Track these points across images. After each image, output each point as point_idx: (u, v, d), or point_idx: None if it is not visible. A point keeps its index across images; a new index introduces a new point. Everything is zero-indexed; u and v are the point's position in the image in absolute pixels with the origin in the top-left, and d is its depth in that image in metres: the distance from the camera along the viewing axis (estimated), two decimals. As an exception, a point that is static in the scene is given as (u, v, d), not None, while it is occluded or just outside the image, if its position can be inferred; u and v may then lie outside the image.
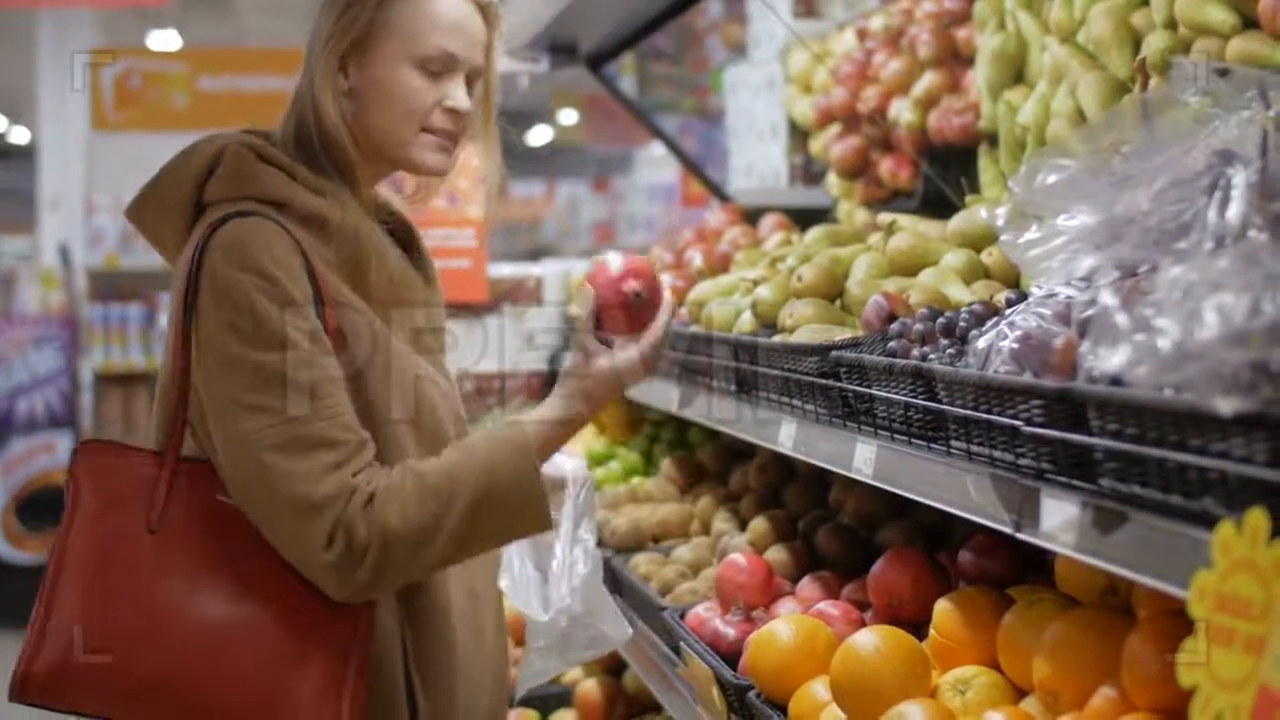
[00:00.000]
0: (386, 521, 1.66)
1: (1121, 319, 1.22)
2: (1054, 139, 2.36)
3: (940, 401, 1.60)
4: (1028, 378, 1.40)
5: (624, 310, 1.82)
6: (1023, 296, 1.72)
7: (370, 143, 1.83)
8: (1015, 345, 1.44)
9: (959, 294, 2.16)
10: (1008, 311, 1.54)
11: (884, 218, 2.56)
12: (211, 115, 7.64)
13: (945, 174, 2.89)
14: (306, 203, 1.76)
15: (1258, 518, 1.04)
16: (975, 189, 2.73)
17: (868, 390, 1.83)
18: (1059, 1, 2.41)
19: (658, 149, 11.54)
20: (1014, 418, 1.42)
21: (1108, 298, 1.27)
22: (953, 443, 1.59)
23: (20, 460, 7.40)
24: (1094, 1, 2.30)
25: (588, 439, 3.84)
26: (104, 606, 1.70)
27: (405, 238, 1.97)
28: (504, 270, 4.31)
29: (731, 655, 2.21)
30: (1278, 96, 1.45)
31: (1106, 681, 1.48)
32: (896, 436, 1.75)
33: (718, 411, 2.50)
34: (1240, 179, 1.29)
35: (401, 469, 1.71)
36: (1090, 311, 1.33)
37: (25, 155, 13.43)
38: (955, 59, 2.96)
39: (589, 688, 3.35)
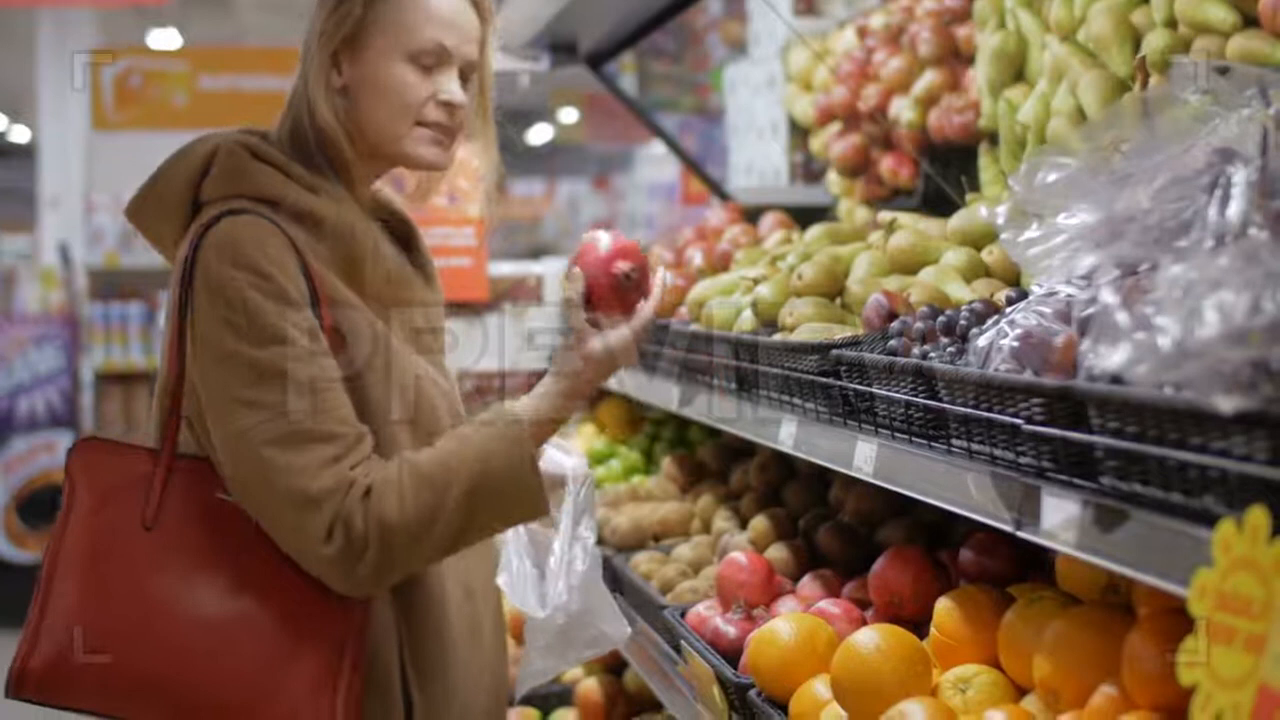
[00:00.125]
0: (384, 514, 1.66)
1: (1122, 317, 1.22)
2: (1054, 137, 2.36)
3: (941, 400, 1.60)
4: (1028, 376, 1.40)
5: (615, 291, 1.80)
6: (1023, 295, 1.72)
7: (366, 139, 1.83)
8: (1016, 344, 1.44)
9: (959, 292, 2.16)
10: (1008, 310, 1.54)
11: (884, 216, 2.56)
12: (212, 114, 7.65)
13: (945, 172, 2.89)
14: (300, 200, 1.76)
15: (1258, 516, 1.04)
16: (975, 187, 2.73)
17: (868, 389, 1.83)
18: (1059, 0, 2.41)
19: (658, 147, 11.53)
20: (1014, 416, 1.42)
21: (1108, 296, 1.27)
22: (953, 441, 1.59)
23: (21, 459, 7.40)
24: (1094, 0, 2.30)
25: (588, 438, 3.84)
26: (99, 603, 1.71)
27: (405, 236, 1.97)
28: (504, 269, 4.31)
29: (732, 654, 2.21)
30: (1278, 95, 1.45)
31: (1107, 680, 1.48)
32: (897, 435, 1.75)
33: (718, 410, 2.50)
34: (1240, 177, 1.29)
35: (398, 461, 1.71)
36: (1091, 310, 1.33)
37: (25, 154, 13.43)
38: (956, 57, 2.96)
39: (589, 686, 3.35)
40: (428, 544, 1.70)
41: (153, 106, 8.47)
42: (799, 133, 3.93)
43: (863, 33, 3.42)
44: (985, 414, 1.48)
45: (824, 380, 1.97)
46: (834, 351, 1.94)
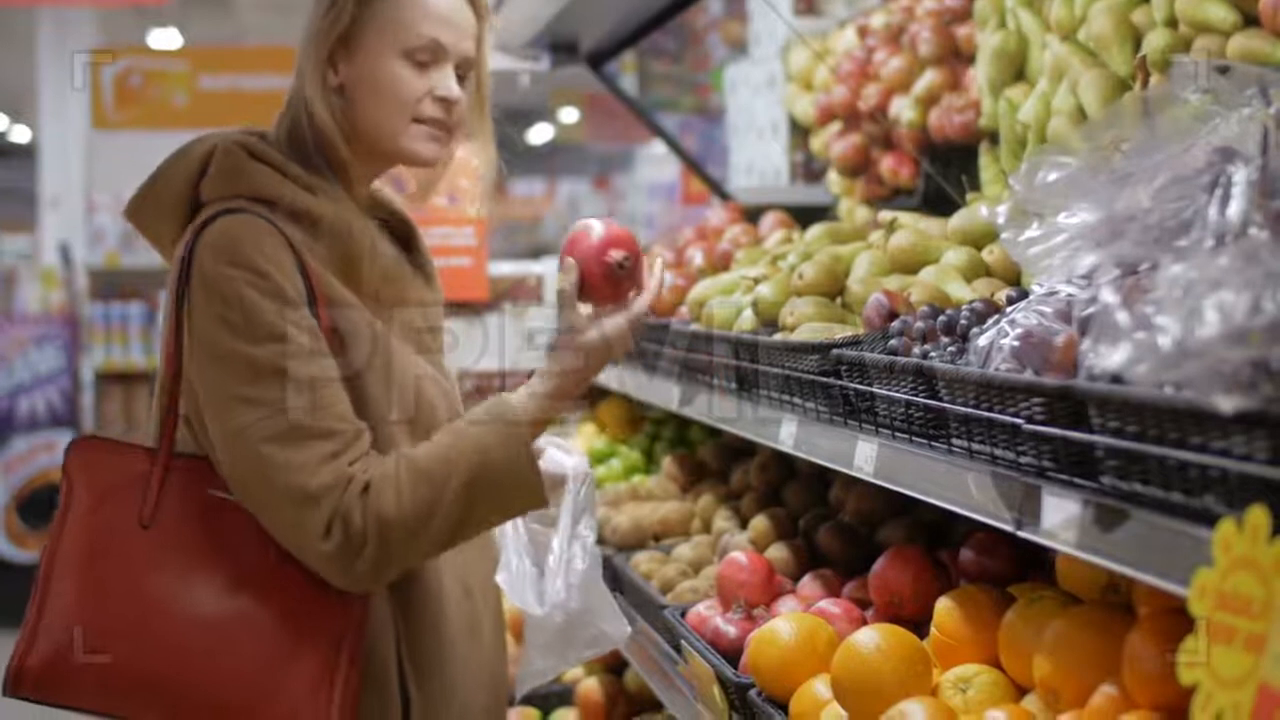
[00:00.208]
0: (382, 509, 1.67)
1: (1122, 317, 1.22)
2: (1055, 137, 2.36)
3: (941, 399, 1.60)
4: (1029, 376, 1.40)
5: (608, 280, 1.80)
6: (1024, 294, 1.72)
7: (363, 137, 1.83)
8: (1016, 343, 1.44)
9: (960, 292, 2.16)
10: (1009, 309, 1.54)
11: (885, 215, 2.56)
12: (212, 114, 7.64)
13: (946, 172, 2.89)
14: (297, 199, 1.76)
15: (1258, 515, 1.04)
16: (976, 187, 2.73)
17: (869, 388, 1.83)
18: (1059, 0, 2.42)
19: (658, 147, 11.53)
20: (1015, 416, 1.42)
21: (1108, 295, 1.27)
22: (954, 441, 1.59)
23: (21, 459, 7.41)
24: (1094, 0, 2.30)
25: (589, 437, 3.84)
26: (96, 601, 1.71)
27: (405, 236, 1.97)
28: (504, 268, 4.32)
29: (732, 653, 2.21)
30: (1278, 94, 1.45)
31: (1107, 679, 1.47)
32: (897, 435, 1.75)
33: (719, 410, 2.50)
34: (1241, 176, 1.28)
35: (395, 456, 1.72)
36: (1091, 309, 1.33)
37: (26, 154, 13.44)
38: (956, 57, 2.96)
39: (590, 686, 3.35)
40: (426, 538, 1.70)
41: (153, 106, 8.47)
42: (799, 132, 3.93)
43: (863, 32, 3.42)
44: (986, 414, 1.48)
45: (824, 380, 1.97)
46: (834, 351, 1.94)
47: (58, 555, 1.73)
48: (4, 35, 10.34)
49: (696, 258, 3.14)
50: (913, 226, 2.47)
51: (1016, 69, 2.65)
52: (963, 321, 1.74)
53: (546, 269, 4.26)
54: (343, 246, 1.79)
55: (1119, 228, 1.40)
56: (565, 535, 1.96)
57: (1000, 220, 1.66)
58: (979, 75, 2.72)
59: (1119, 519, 1.25)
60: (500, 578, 1.97)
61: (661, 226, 11.73)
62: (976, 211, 2.39)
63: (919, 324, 1.82)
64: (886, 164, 3.18)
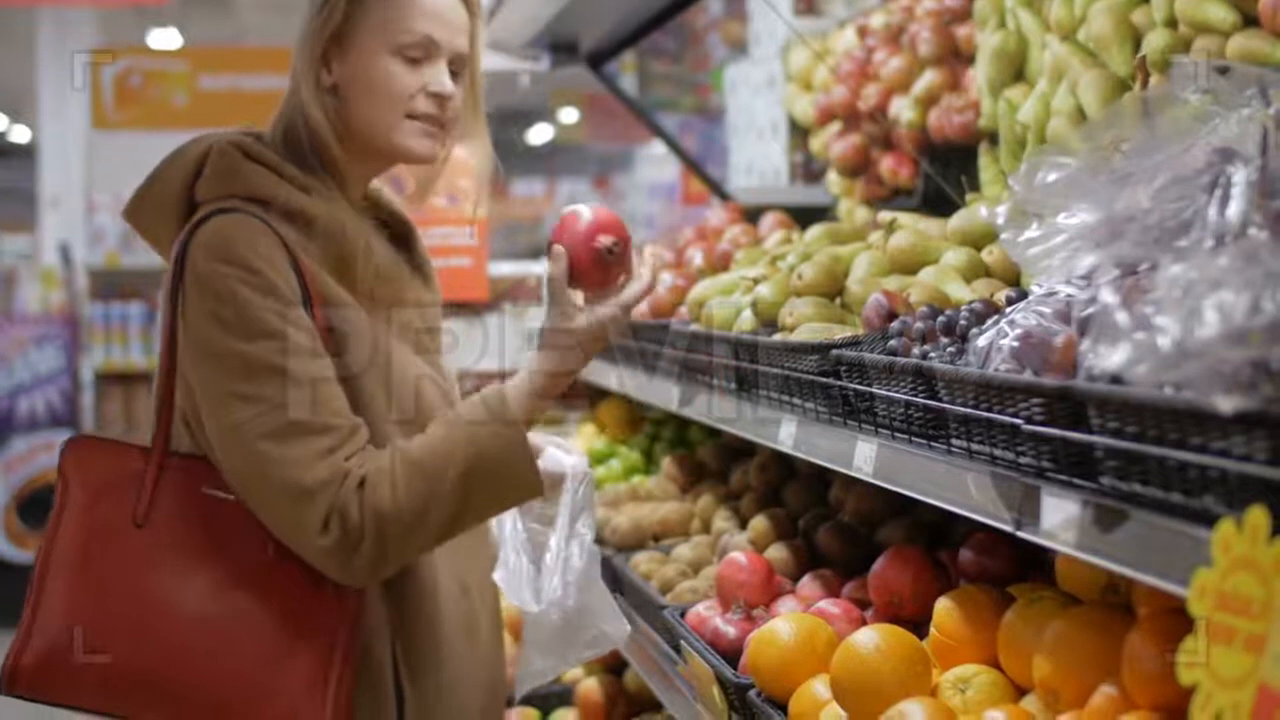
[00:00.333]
0: (379, 503, 1.67)
1: (1122, 317, 1.22)
2: (1054, 137, 2.36)
3: (941, 400, 1.60)
4: (1028, 376, 1.40)
5: (597, 266, 1.80)
6: (1023, 295, 1.72)
7: (357, 136, 1.83)
8: (1015, 343, 1.44)
9: (959, 292, 2.16)
10: (1008, 310, 1.54)
11: (884, 216, 2.56)
12: (212, 114, 7.65)
13: (945, 172, 2.88)
14: (291, 199, 1.76)
15: (1258, 516, 1.04)
16: (976, 187, 2.73)
17: (868, 389, 1.83)
18: (1059, 0, 2.41)
19: (658, 147, 11.52)
20: (1014, 416, 1.42)
21: (1108, 296, 1.27)
22: (953, 441, 1.59)
23: (21, 459, 7.41)
24: (1094, 0, 2.30)
25: (588, 437, 3.84)
26: (91, 600, 1.71)
27: (403, 236, 1.97)
28: (504, 269, 4.32)
29: (732, 654, 2.21)
30: (1278, 94, 1.45)
31: (1107, 680, 1.47)
32: (897, 435, 1.75)
33: (718, 410, 2.49)
34: (1240, 177, 1.28)
35: (390, 450, 1.72)
36: (1090, 310, 1.33)
37: (26, 154, 13.43)
38: (956, 57, 2.96)
39: (589, 686, 3.35)
40: (423, 531, 1.71)
41: (153, 106, 8.47)
42: (799, 133, 3.93)
43: (863, 32, 3.42)
44: (985, 414, 1.48)
45: (824, 380, 1.97)
46: (834, 351, 1.94)
47: (52, 554, 1.74)
48: (4, 35, 10.34)
49: (696, 258, 3.14)
50: (912, 227, 2.47)
51: (1016, 69, 2.64)
52: (962, 322, 1.74)
53: (546, 270, 4.25)
54: (337, 246, 1.79)
55: (1118, 228, 1.40)
56: (563, 533, 1.96)
57: (1000, 221, 1.66)
58: (979, 75, 2.72)
59: (1118, 519, 1.25)
60: (498, 575, 1.97)
61: (661, 227, 11.72)
62: (976, 212, 2.39)
63: (918, 324, 1.82)
64: (886, 164, 3.18)
